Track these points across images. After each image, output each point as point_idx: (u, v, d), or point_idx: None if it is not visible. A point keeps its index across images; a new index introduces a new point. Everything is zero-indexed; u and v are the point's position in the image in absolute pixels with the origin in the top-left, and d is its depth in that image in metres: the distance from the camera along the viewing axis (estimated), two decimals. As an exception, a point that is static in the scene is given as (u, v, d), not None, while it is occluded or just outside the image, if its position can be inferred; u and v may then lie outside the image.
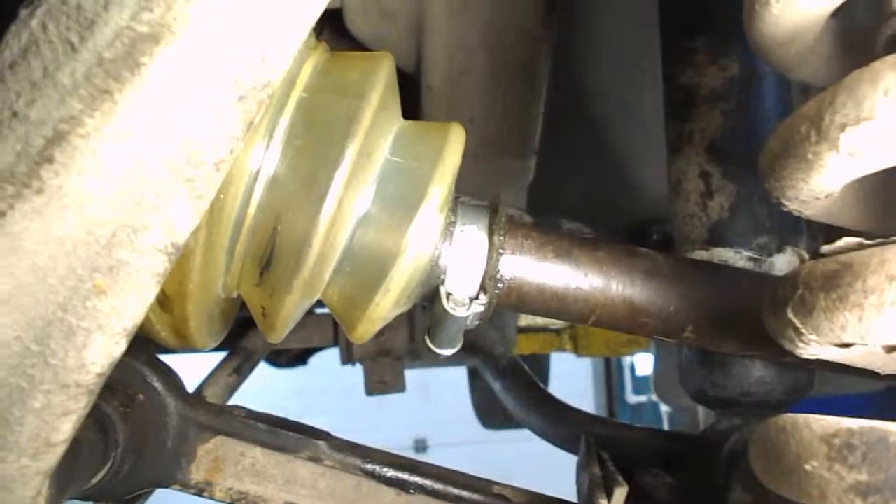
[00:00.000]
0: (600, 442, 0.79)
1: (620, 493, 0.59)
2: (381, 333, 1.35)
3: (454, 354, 1.41)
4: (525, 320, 2.29)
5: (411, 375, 1.49)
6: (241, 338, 1.15)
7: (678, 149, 0.74)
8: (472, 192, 0.60)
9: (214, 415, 0.72)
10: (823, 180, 0.37)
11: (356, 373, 1.54)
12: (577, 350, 2.33)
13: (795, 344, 0.39)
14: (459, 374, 2.63)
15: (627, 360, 4.80)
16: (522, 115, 1.13)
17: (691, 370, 0.74)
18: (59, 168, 0.28)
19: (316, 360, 2.16)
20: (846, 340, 0.34)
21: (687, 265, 0.60)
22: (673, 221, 0.75)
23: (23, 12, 0.29)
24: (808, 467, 0.35)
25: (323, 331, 1.41)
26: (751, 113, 0.71)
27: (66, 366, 0.31)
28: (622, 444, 0.88)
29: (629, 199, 1.39)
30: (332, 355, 1.60)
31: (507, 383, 1.13)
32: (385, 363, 1.42)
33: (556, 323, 2.36)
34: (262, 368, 1.31)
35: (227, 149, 0.32)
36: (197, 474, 0.71)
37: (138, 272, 0.31)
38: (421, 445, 5.64)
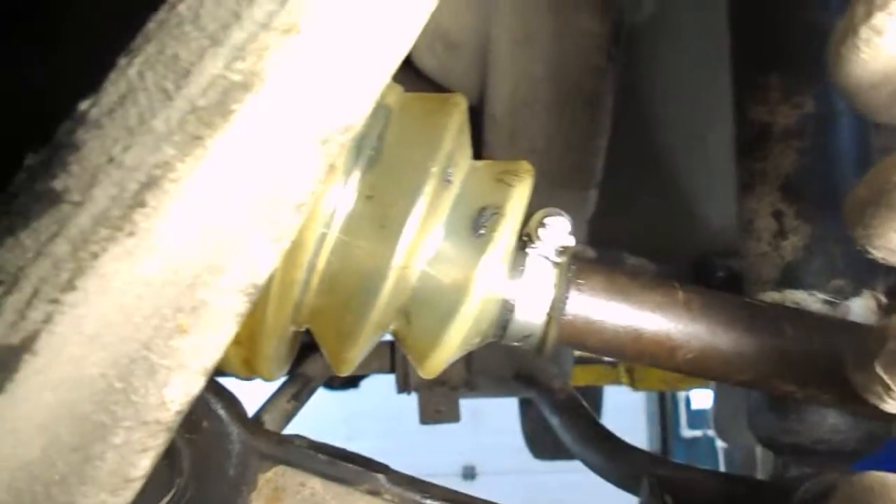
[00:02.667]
0: (661, 483, 0.77)
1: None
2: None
3: (511, 386, 1.40)
4: (580, 353, 2.26)
5: (463, 402, 1.48)
6: (300, 364, 1.16)
7: (750, 187, 0.73)
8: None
9: (276, 444, 0.73)
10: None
11: (406, 397, 1.54)
12: (634, 384, 2.29)
13: (884, 400, 0.37)
14: (510, 402, 2.61)
15: (683, 394, 4.70)
16: (585, 147, 1.12)
17: (761, 414, 0.72)
18: (150, 212, 0.29)
19: (366, 384, 2.17)
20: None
21: (761, 309, 0.58)
22: (744, 261, 0.73)
23: (122, 61, 0.30)
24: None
25: (381, 358, 1.41)
26: (826, 152, 0.69)
27: (148, 403, 0.31)
28: (684, 486, 0.85)
29: (691, 233, 1.37)
30: (381, 380, 1.60)
31: (565, 418, 1.11)
32: (440, 392, 1.42)
33: (612, 355, 2.33)
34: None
35: (307, 192, 0.32)
36: (258, 503, 0.71)
37: (220, 312, 0.32)
38: (469, 472, 5.59)
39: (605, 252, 1.18)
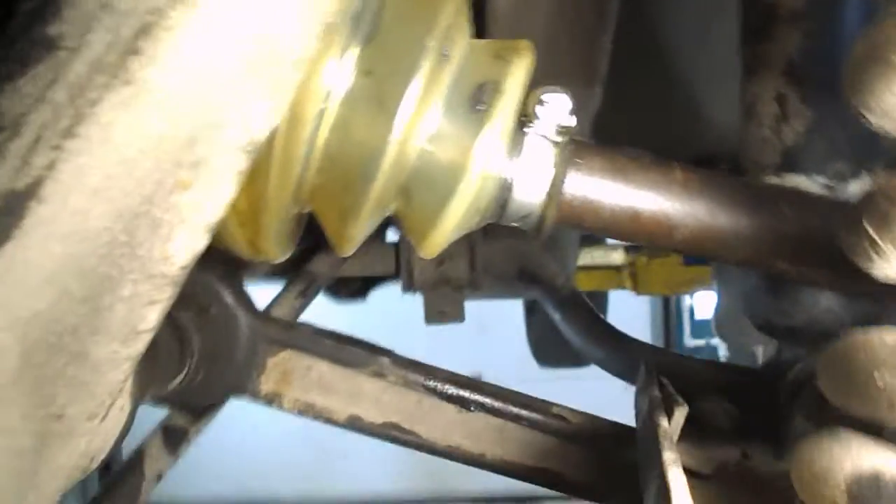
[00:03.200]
0: (659, 369, 0.79)
1: (680, 414, 0.60)
2: (442, 262, 1.36)
3: (515, 286, 1.42)
4: (584, 259, 2.28)
5: (469, 313, 1.50)
6: (306, 262, 1.17)
7: (754, 71, 0.72)
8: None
9: (283, 329, 0.75)
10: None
11: (412, 307, 1.56)
12: (637, 288, 2.31)
13: (871, 259, 0.38)
14: (516, 313, 2.64)
15: (687, 303, 4.74)
16: (589, 43, 1.10)
17: (758, 298, 0.73)
18: (145, 60, 0.29)
19: (373, 296, 2.20)
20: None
21: (763, 190, 0.59)
22: (743, 147, 0.73)
23: None
24: (879, 379, 0.35)
25: (385, 260, 1.43)
26: (833, 34, 0.68)
27: (152, 257, 0.32)
28: (682, 374, 0.88)
29: (694, 133, 1.36)
30: (388, 292, 1.62)
31: (567, 314, 1.13)
32: (444, 293, 1.43)
33: (616, 260, 2.34)
34: (321, 304, 1.33)
35: (304, 48, 0.33)
36: (266, 386, 0.74)
37: (220, 169, 0.32)
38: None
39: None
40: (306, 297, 1.10)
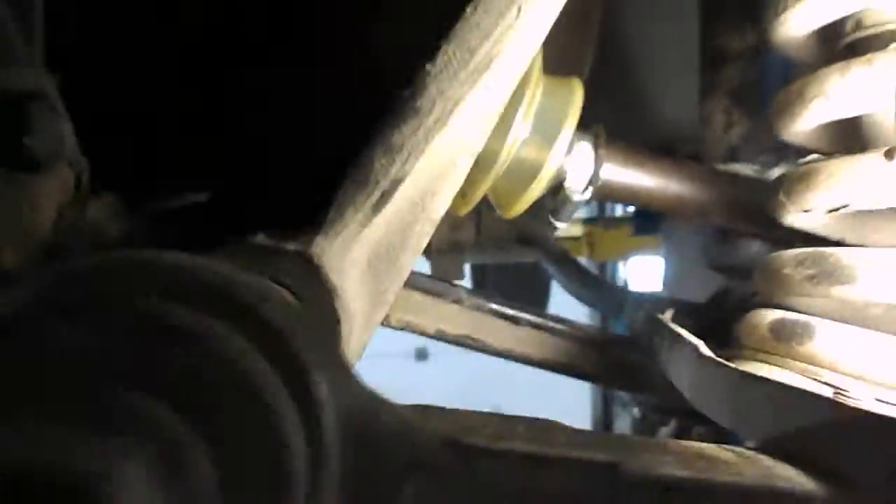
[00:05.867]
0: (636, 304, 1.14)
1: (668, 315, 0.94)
2: (454, 229, 1.68)
3: (512, 249, 1.75)
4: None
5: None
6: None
7: (710, 92, 1.07)
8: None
9: (390, 270, 1.06)
10: (802, 122, 0.70)
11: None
12: (592, 255, 2.68)
13: (782, 212, 0.73)
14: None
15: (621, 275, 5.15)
16: (578, 36, 1.40)
17: (712, 248, 1.08)
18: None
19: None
20: (807, 207, 0.67)
21: (716, 173, 0.93)
22: (702, 145, 1.08)
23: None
24: (784, 271, 0.69)
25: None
26: (762, 70, 1.03)
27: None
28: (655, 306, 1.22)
29: (653, 125, 1.70)
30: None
31: (562, 267, 1.48)
32: (450, 255, 1.75)
33: (575, 232, 2.70)
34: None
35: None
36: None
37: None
38: (422, 353, 5.97)
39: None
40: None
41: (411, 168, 0.60)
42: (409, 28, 0.70)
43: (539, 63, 0.84)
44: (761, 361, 0.70)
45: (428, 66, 0.59)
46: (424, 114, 0.59)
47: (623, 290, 1.39)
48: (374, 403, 0.31)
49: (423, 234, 0.64)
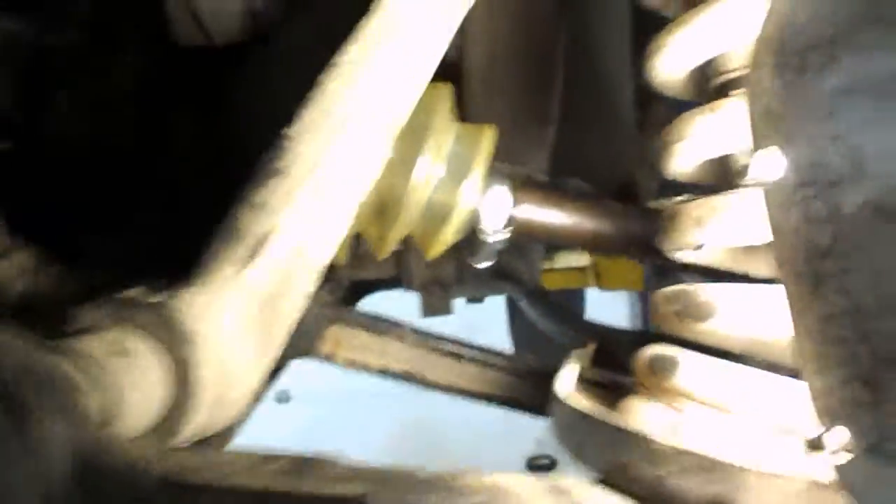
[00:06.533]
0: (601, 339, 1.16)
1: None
2: (434, 266, 1.72)
3: (491, 282, 1.78)
4: (560, 262, 2.64)
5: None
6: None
7: (642, 130, 1.10)
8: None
9: (335, 310, 1.11)
10: (676, 162, 0.73)
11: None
12: (600, 285, 2.69)
13: (666, 249, 0.75)
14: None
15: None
16: (544, 92, 1.45)
17: (650, 279, 1.11)
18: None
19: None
20: (676, 246, 0.70)
21: (634, 210, 0.96)
22: (640, 182, 1.11)
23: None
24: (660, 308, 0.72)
25: (389, 266, 1.78)
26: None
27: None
28: (611, 338, 1.24)
29: (614, 166, 1.71)
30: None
31: (532, 302, 1.51)
32: (436, 291, 1.79)
33: (581, 262, 2.72)
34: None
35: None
36: (325, 348, 1.10)
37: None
38: (284, 396, 5.68)
39: (557, 179, 1.53)
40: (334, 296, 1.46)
41: (278, 223, 0.65)
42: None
43: (445, 111, 0.89)
44: (643, 395, 0.73)
45: (288, 131, 0.65)
46: (285, 173, 0.64)
47: (594, 326, 1.41)
48: (100, 446, 0.35)
49: (308, 281, 0.69)
